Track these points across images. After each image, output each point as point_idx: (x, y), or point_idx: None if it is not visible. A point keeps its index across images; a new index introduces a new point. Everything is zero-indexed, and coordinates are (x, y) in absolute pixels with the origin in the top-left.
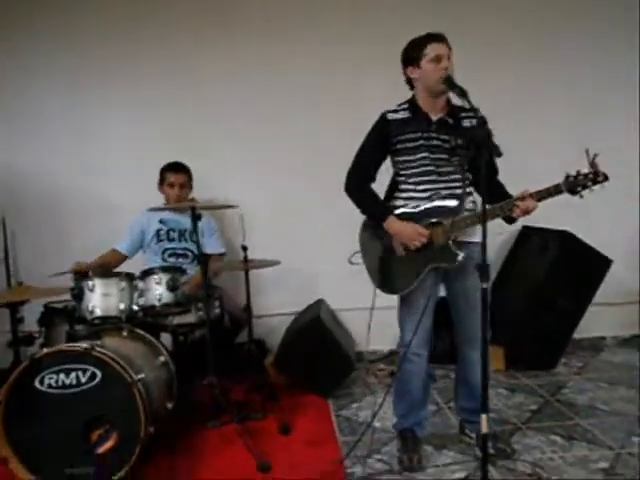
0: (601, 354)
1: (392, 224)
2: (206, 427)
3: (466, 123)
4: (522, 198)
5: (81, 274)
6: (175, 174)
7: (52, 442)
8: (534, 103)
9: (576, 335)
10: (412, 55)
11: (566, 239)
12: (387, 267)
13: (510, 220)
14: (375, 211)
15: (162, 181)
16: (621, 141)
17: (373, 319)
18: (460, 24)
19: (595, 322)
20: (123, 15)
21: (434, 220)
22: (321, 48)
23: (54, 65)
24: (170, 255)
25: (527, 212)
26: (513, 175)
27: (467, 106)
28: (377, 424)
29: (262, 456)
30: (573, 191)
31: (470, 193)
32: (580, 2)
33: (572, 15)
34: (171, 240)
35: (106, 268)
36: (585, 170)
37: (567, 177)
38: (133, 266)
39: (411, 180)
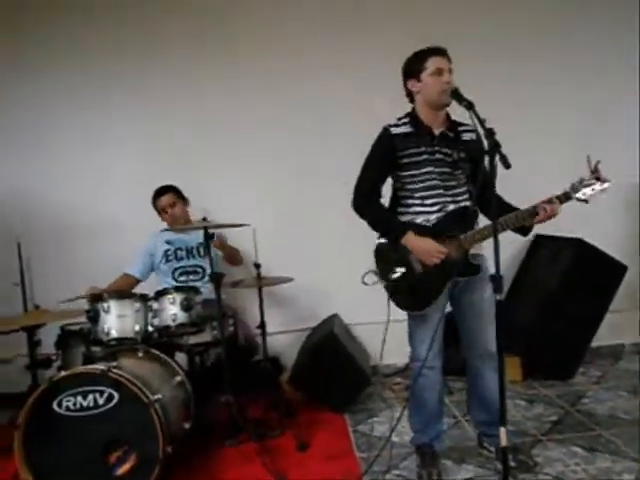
0: (620, 362)
1: (411, 240)
2: (224, 446)
3: (466, 137)
4: (549, 201)
5: (95, 298)
6: (160, 197)
7: (71, 464)
8: (535, 112)
9: (594, 343)
10: (413, 68)
11: (579, 246)
12: (405, 285)
13: (525, 231)
14: (391, 227)
15: (157, 211)
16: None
17: (387, 333)
18: (465, 31)
19: (613, 329)
20: (128, 33)
21: (449, 234)
22: (328, 55)
23: (60, 89)
24: (181, 274)
25: (552, 216)
26: (516, 186)
27: (470, 119)
28: (395, 439)
29: (280, 473)
30: (579, 198)
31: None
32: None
33: (580, 14)
34: (180, 259)
35: (120, 291)
36: (588, 178)
37: (573, 185)
38: (146, 287)
39: (417, 195)
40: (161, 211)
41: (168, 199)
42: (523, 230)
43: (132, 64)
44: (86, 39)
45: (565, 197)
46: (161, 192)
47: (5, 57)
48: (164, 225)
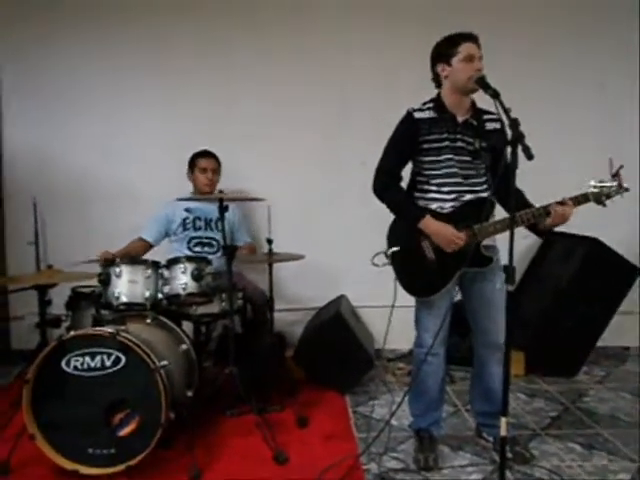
0: (625, 364)
1: (430, 225)
2: (224, 415)
3: (489, 126)
4: (562, 202)
5: (107, 262)
6: (207, 159)
7: (76, 422)
8: (558, 107)
9: (599, 344)
10: (444, 52)
11: (593, 245)
12: (416, 270)
13: (540, 232)
14: (410, 211)
15: (193, 167)
16: None
17: (393, 318)
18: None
19: (620, 331)
20: (155, 9)
21: (463, 224)
22: (354, 36)
23: (87, 54)
24: (196, 244)
25: (563, 217)
26: (537, 180)
27: (494, 109)
28: (394, 422)
29: (279, 447)
30: (598, 200)
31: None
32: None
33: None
34: (197, 229)
35: (132, 256)
36: (609, 182)
37: (593, 187)
38: (158, 254)
39: (434, 181)
40: (200, 170)
41: (213, 163)
42: (538, 231)
43: (160, 38)
44: (115, 13)
45: (584, 199)
46: (207, 153)
47: (35, 22)
48: (180, 192)
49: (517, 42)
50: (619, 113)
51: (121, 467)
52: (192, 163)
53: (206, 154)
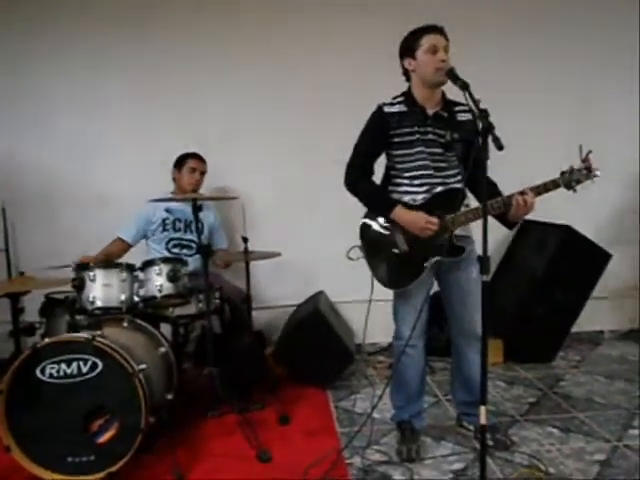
0: (599, 348)
1: (401, 214)
2: (206, 417)
3: (461, 117)
4: (522, 192)
5: (81, 266)
6: (198, 161)
7: (53, 431)
8: (531, 97)
9: (574, 329)
10: (408, 46)
11: (565, 233)
12: (389, 262)
13: (510, 224)
14: (380, 203)
15: (181, 166)
16: (622, 133)
17: (372, 311)
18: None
19: (594, 316)
20: (124, 6)
21: (435, 214)
22: (327, 36)
23: (57, 53)
24: (174, 245)
25: (526, 207)
26: (509, 170)
27: (465, 100)
28: (376, 415)
29: (262, 446)
30: (568, 185)
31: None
32: None
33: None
34: (177, 230)
35: (111, 259)
36: (578, 166)
37: (562, 173)
38: (134, 256)
39: (406, 174)
40: (189, 170)
41: (202, 165)
42: (507, 222)
43: (128, 35)
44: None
45: (554, 185)
46: (196, 155)
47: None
48: (153, 194)
49: (486, 31)
50: (587, 99)
51: (102, 474)
52: (180, 162)
53: (198, 156)
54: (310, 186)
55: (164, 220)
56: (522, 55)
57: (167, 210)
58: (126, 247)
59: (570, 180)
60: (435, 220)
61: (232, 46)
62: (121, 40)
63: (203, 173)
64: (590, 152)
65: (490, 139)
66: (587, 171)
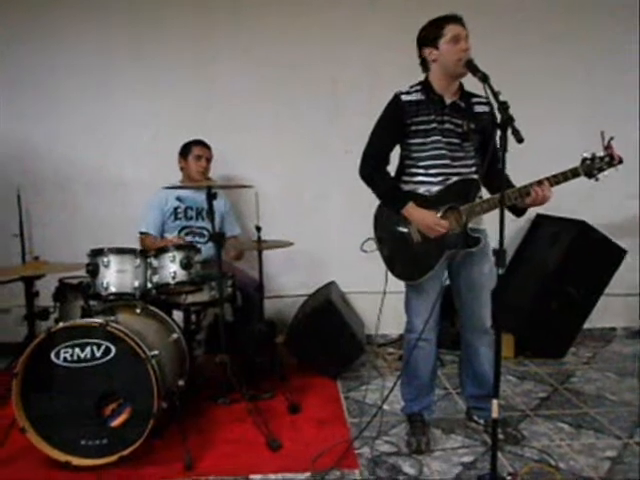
0: (611, 345)
1: (412, 212)
2: (216, 404)
3: (478, 109)
4: (540, 182)
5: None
6: (202, 148)
7: (67, 414)
8: (549, 86)
9: (586, 325)
10: (430, 36)
11: (580, 228)
12: (403, 254)
13: (519, 212)
14: (393, 198)
15: (186, 154)
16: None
17: (384, 304)
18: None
19: (606, 313)
20: None
21: (449, 205)
22: (338, 30)
23: (73, 40)
24: (187, 234)
25: (543, 198)
26: (526, 159)
27: (482, 92)
28: (386, 407)
29: (272, 434)
30: (590, 174)
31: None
32: None
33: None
34: (189, 218)
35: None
36: (601, 153)
37: (584, 160)
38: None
39: (422, 164)
40: (195, 158)
41: (207, 151)
42: (516, 211)
43: (146, 26)
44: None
45: (573, 174)
46: (205, 143)
47: (14, 10)
48: (167, 181)
49: (498, 22)
50: (607, 93)
51: (114, 458)
52: (185, 150)
53: (203, 143)
54: (322, 176)
55: (176, 209)
56: (535, 42)
57: (178, 198)
58: (153, 239)
59: (592, 168)
60: (445, 223)
61: (249, 38)
62: (138, 26)
63: (209, 160)
64: (612, 138)
65: (510, 131)
66: (610, 158)
